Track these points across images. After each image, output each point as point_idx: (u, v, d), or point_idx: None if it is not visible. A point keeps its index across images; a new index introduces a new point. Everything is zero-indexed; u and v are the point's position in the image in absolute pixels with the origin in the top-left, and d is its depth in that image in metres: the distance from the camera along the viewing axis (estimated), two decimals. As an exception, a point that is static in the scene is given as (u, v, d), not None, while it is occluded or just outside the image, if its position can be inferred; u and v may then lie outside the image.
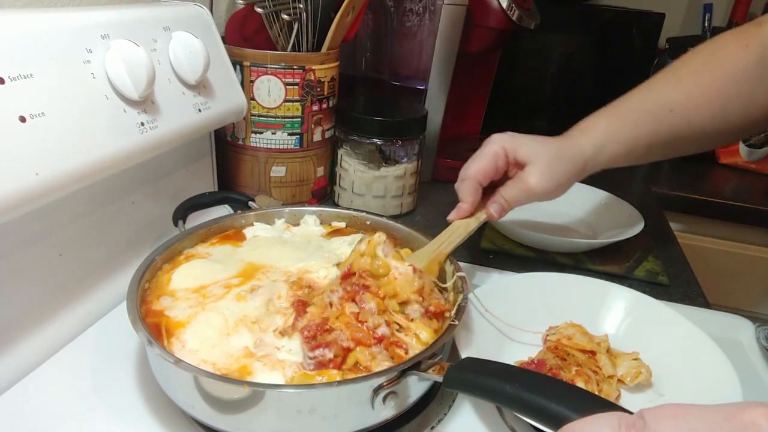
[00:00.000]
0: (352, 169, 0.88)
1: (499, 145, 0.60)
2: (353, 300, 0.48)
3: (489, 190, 0.64)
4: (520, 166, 0.60)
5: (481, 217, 0.62)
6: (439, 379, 0.42)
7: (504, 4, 0.95)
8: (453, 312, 0.50)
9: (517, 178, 0.60)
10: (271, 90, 0.80)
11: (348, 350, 0.45)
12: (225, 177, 0.87)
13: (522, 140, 0.61)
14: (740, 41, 0.61)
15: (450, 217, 0.62)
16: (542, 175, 0.59)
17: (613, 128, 0.63)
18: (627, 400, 0.54)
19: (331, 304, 0.48)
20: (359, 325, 0.46)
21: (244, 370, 0.44)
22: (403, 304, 0.49)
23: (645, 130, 0.62)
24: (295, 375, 0.44)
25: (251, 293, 0.51)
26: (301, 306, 0.49)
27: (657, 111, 0.62)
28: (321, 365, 0.44)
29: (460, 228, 0.60)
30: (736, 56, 0.61)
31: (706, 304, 0.74)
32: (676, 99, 0.62)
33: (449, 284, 0.57)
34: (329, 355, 0.44)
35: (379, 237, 0.51)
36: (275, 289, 0.52)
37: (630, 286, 0.67)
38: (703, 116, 0.62)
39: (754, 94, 0.61)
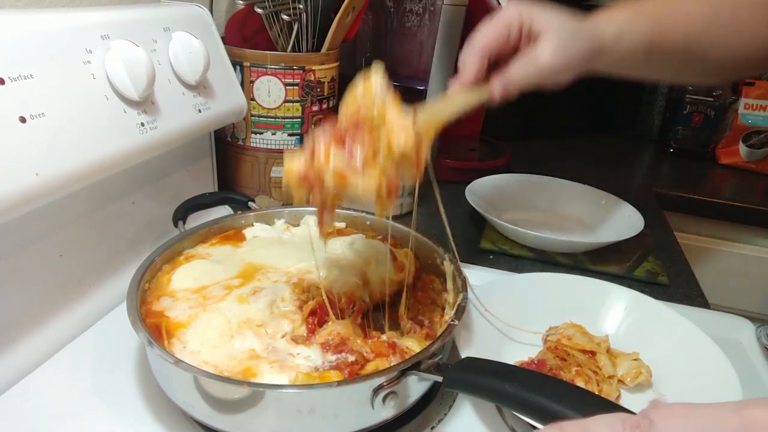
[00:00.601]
0: (352, 169, 0.87)
1: (515, 12, 0.53)
2: (342, 142, 0.45)
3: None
4: (534, 38, 0.54)
5: (483, 93, 0.54)
6: (439, 378, 0.42)
7: (504, 4, 0.95)
8: (453, 312, 0.50)
9: (528, 53, 0.54)
10: (271, 90, 0.80)
11: (367, 360, 0.46)
12: (225, 177, 0.87)
13: (539, 9, 0.54)
14: None
15: (451, 87, 0.55)
16: (556, 50, 0.52)
17: (632, 22, 0.57)
18: (627, 400, 0.54)
19: (312, 152, 0.45)
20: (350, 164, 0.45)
21: (248, 372, 0.44)
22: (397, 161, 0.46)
23: (664, 32, 0.57)
24: (298, 375, 0.44)
25: (253, 295, 0.51)
26: (313, 318, 0.49)
27: (676, 15, 0.57)
28: (339, 368, 0.45)
29: (458, 97, 0.54)
30: None
31: (706, 304, 0.74)
32: (694, 10, 0.58)
33: (449, 284, 0.57)
34: (351, 358, 0.45)
35: (376, 78, 0.47)
36: (278, 291, 0.52)
37: (630, 286, 0.66)
38: (712, 36, 0.58)
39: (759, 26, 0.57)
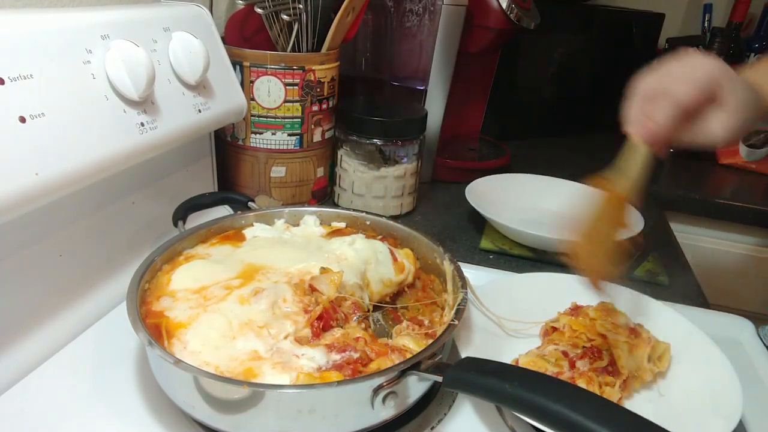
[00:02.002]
0: (352, 169, 0.88)
1: (714, 75, 0.49)
2: None
3: None
4: (715, 101, 0.51)
5: (662, 150, 0.52)
6: (439, 378, 0.42)
7: (504, 4, 0.95)
8: (453, 312, 0.50)
9: (701, 123, 0.51)
10: (271, 90, 0.80)
11: (371, 359, 0.46)
12: (225, 177, 0.87)
13: (732, 77, 0.50)
14: None
15: (635, 132, 0.53)
16: (730, 125, 0.50)
17: None
18: (627, 399, 0.54)
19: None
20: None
21: (249, 372, 0.44)
22: None
23: None
24: (299, 376, 0.44)
25: (255, 296, 0.51)
26: (318, 322, 0.49)
27: None
28: (341, 367, 0.45)
29: (641, 155, 0.52)
30: None
31: (706, 304, 0.74)
32: None
33: (449, 284, 0.57)
34: (355, 355, 0.45)
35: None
36: (279, 292, 0.52)
37: (630, 286, 0.66)
38: None
39: None
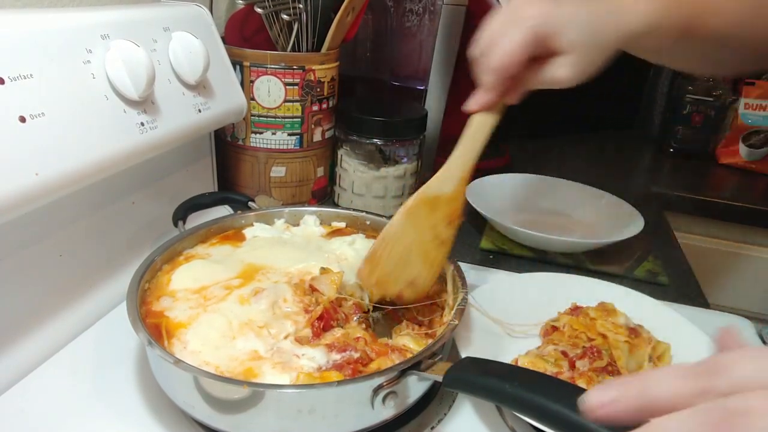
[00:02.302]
0: (352, 169, 0.88)
1: (533, 29, 0.47)
2: None
3: None
4: (552, 52, 0.49)
5: (501, 107, 0.51)
6: (439, 379, 0.42)
7: (504, 4, 0.95)
8: (453, 312, 0.50)
9: (547, 67, 0.49)
10: (271, 90, 0.80)
11: (371, 359, 0.46)
12: (225, 177, 0.87)
13: (559, 20, 0.47)
14: None
15: (470, 107, 0.52)
16: (578, 69, 0.48)
17: (667, 8, 0.50)
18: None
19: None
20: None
21: (249, 372, 0.44)
22: None
23: (701, 19, 0.52)
24: (299, 375, 0.44)
25: (255, 296, 0.51)
26: (319, 322, 0.49)
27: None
28: (342, 367, 0.45)
29: (481, 128, 0.52)
30: None
31: (706, 304, 0.74)
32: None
33: (449, 284, 0.57)
34: (356, 355, 0.45)
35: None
36: (279, 292, 0.52)
37: (630, 286, 0.67)
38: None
39: None
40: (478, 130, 0.52)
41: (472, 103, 0.51)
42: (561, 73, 0.49)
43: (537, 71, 0.50)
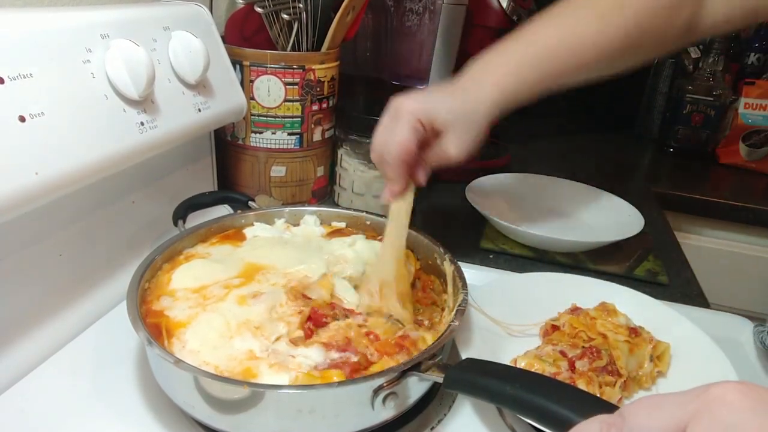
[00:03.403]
0: (352, 168, 0.87)
1: (414, 119, 0.56)
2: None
3: None
4: (437, 135, 0.58)
5: (412, 188, 0.59)
6: (439, 379, 0.42)
7: (504, 4, 0.95)
8: (453, 312, 0.50)
9: (437, 148, 0.58)
10: (270, 90, 0.80)
11: (371, 363, 0.46)
12: (225, 177, 0.87)
13: (432, 107, 0.57)
14: None
15: (385, 199, 0.59)
16: (461, 144, 0.58)
17: (518, 74, 0.59)
18: (627, 399, 0.54)
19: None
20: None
21: (248, 372, 0.44)
22: None
23: (557, 67, 0.60)
24: (299, 375, 0.44)
25: (253, 298, 0.51)
26: (312, 320, 0.49)
27: (547, 52, 0.60)
28: (339, 367, 0.45)
29: (401, 212, 0.58)
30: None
31: (706, 304, 0.74)
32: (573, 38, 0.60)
33: (449, 285, 0.57)
34: (354, 358, 0.45)
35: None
36: (277, 297, 0.52)
37: (630, 286, 0.67)
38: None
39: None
40: (398, 215, 0.58)
41: (386, 195, 0.59)
42: (447, 148, 0.57)
43: (430, 152, 0.58)
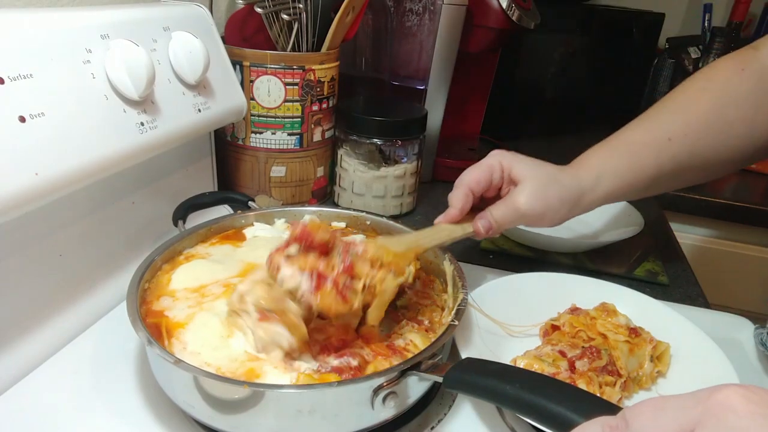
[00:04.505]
0: (352, 169, 0.88)
1: (496, 159, 0.60)
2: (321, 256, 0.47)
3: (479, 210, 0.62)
4: (514, 184, 0.60)
5: (467, 228, 0.59)
6: (439, 379, 0.42)
7: (504, 4, 0.95)
8: (453, 312, 0.50)
9: (507, 197, 0.59)
10: (270, 90, 0.80)
11: (368, 362, 0.46)
12: (225, 177, 0.87)
13: (520, 159, 0.60)
14: (737, 65, 0.60)
15: (437, 220, 0.60)
16: (532, 195, 0.57)
17: (609, 161, 0.61)
18: (627, 399, 0.54)
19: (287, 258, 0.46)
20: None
21: (251, 373, 0.44)
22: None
23: (646, 163, 0.60)
24: (300, 376, 0.44)
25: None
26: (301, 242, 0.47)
27: (655, 141, 0.61)
28: (340, 371, 0.45)
29: (444, 231, 0.58)
30: (732, 81, 0.60)
31: (706, 304, 0.74)
32: (674, 128, 0.60)
33: (449, 284, 0.57)
34: (354, 362, 0.45)
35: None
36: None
37: (630, 286, 0.67)
38: (704, 143, 0.60)
39: (754, 119, 0.59)
40: (440, 230, 0.58)
41: (440, 217, 0.60)
42: (519, 198, 0.58)
43: (499, 203, 0.59)
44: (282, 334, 0.45)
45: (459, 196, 0.58)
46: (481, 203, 0.61)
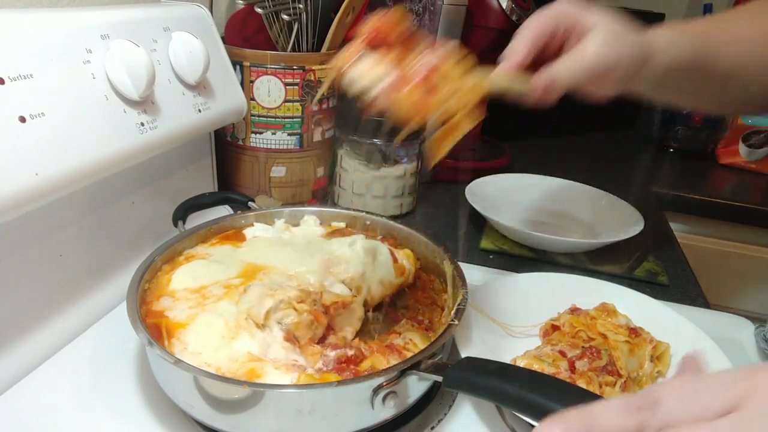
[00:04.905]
0: (352, 169, 0.88)
1: (564, 6, 0.52)
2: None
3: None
4: (581, 35, 0.52)
5: (526, 83, 0.51)
6: (439, 378, 0.42)
7: (504, 4, 0.95)
8: (453, 312, 0.50)
9: (574, 49, 0.51)
10: (271, 90, 0.80)
11: (365, 356, 0.46)
12: (225, 177, 0.87)
13: (588, 7, 0.52)
14: None
15: (496, 71, 0.52)
16: (603, 45, 0.50)
17: (683, 33, 0.56)
18: (627, 400, 0.54)
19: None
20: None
21: (252, 373, 0.44)
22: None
23: (711, 47, 0.56)
24: (300, 376, 0.44)
25: (244, 294, 0.51)
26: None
27: (730, 36, 0.57)
28: (340, 362, 0.45)
29: (502, 78, 0.51)
30: None
31: (706, 304, 0.74)
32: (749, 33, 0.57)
33: (449, 284, 0.57)
34: (350, 352, 0.46)
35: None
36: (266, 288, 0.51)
37: (630, 286, 0.67)
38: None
39: None
40: (499, 80, 0.51)
41: (499, 67, 0.52)
42: (589, 47, 0.50)
43: (561, 59, 0.51)
44: (299, 359, 0.46)
45: (522, 44, 0.51)
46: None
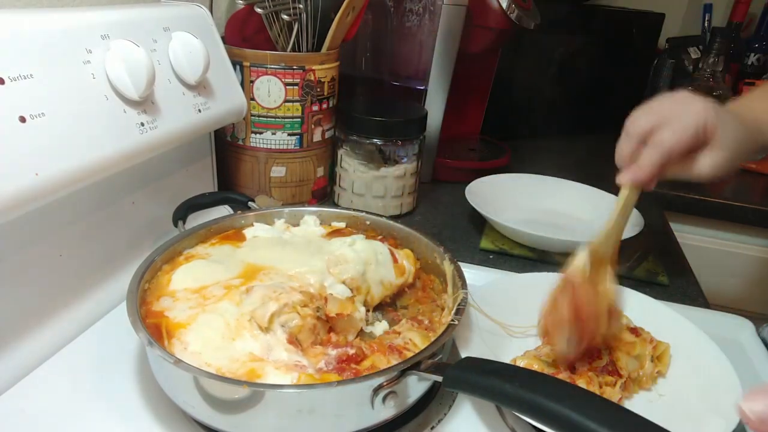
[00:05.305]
0: (352, 169, 0.88)
1: (703, 120, 0.51)
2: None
3: None
4: (705, 142, 0.53)
5: (639, 189, 0.53)
6: (439, 378, 0.42)
7: (504, 4, 0.95)
8: (453, 311, 0.50)
9: (690, 161, 0.53)
10: (271, 90, 0.80)
11: (366, 355, 0.46)
12: (225, 177, 0.87)
13: (722, 120, 0.52)
14: None
15: (622, 180, 0.54)
16: (719, 167, 0.52)
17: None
18: (627, 399, 0.54)
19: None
20: None
21: (252, 373, 0.44)
22: None
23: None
24: (301, 376, 0.44)
25: (246, 294, 0.51)
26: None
27: None
28: (340, 361, 0.45)
29: (630, 204, 0.53)
30: None
31: (706, 304, 0.74)
32: None
33: (449, 284, 0.57)
34: (351, 351, 0.46)
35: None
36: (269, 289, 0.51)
37: (630, 286, 0.66)
38: None
39: None
40: (627, 205, 0.54)
41: (627, 176, 0.53)
42: (704, 165, 0.52)
43: (683, 163, 0.53)
44: (301, 360, 0.46)
45: (656, 160, 0.51)
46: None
